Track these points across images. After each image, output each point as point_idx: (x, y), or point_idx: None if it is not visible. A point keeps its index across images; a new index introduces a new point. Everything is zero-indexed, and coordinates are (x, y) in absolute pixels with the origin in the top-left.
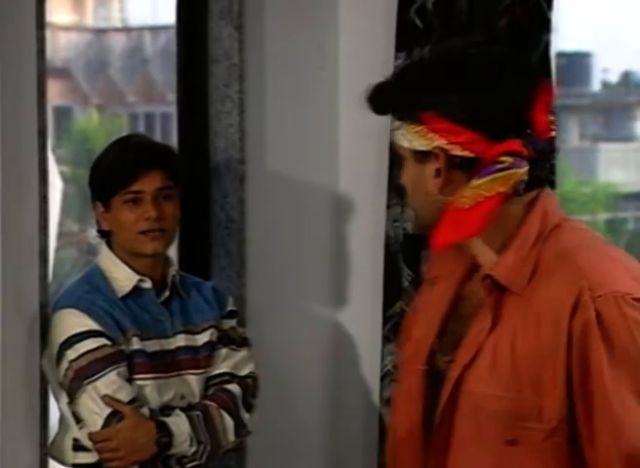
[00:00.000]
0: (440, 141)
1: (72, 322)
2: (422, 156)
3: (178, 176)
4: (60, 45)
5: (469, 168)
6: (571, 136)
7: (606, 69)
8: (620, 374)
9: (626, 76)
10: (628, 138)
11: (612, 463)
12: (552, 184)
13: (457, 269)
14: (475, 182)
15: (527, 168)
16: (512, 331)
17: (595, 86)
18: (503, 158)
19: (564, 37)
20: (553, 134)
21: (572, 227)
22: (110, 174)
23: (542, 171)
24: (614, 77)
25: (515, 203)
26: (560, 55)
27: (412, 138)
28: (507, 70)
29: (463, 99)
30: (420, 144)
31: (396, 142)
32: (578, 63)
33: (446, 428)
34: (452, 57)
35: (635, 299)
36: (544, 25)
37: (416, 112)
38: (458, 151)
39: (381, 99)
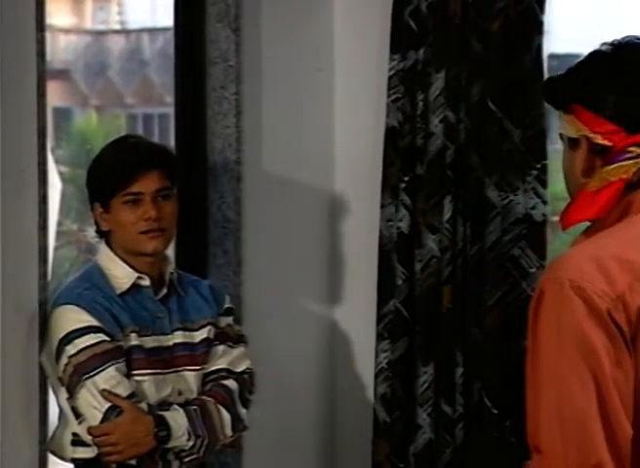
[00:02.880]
0: (586, 130)
1: (72, 318)
2: (573, 143)
3: (175, 176)
4: (60, 47)
5: (605, 156)
6: None
7: None
8: (539, 349)
9: None
10: None
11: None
12: (544, 184)
13: None
14: (605, 169)
15: None
16: None
17: None
18: (632, 148)
19: (556, 39)
20: None
21: (633, 221)
22: (109, 175)
23: None
24: None
25: (628, 195)
26: (552, 56)
27: (565, 126)
28: None
29: (608, 95)
30: (571, 132)
31: (559, 130)
32: (569, 65)
33: None
34: (602, 56)
35: (574, 286)
36: (537, 28)
37: (568, 104)
38: (599, 140)
39: (547, 91)
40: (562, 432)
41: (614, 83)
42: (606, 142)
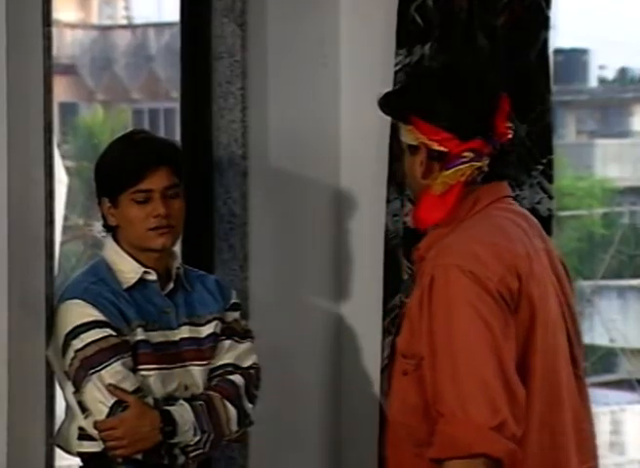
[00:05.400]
0: (424, 138)
1: (78, 312)
2: (414, 149)
3: (182, 172)
4: (66, 42)
5: (443, 160)
6: (568, 131)
7: (603, 66)
8: (436, 327)
9: (623, 73)
10: (624, 134)
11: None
12: (550, 179)
13: None
14: (445, 173)
15: (486, 162)
16: (414, 292)
17: (592, 82)
18: (466, 153)
19: (561, 34)
20: (510, 136)
21: (486, 213)
22: (118, 171)
23: (504, 166)
24: (610, 74)
25: (470, 192)
26: (557, 51)
27: (405, 134)
28: (474, 86)
29: (442, 108)
30: (411, 140)
31: (399, 137)
32: (575, 60)
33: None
34: (434, 74)
35: (464, 270)
36: (543, 23)
37: (406, 115)
38: (436, 146)
39: (385, 105)
40: (465, 396)
41: (446, 96)
42: (442, 149)
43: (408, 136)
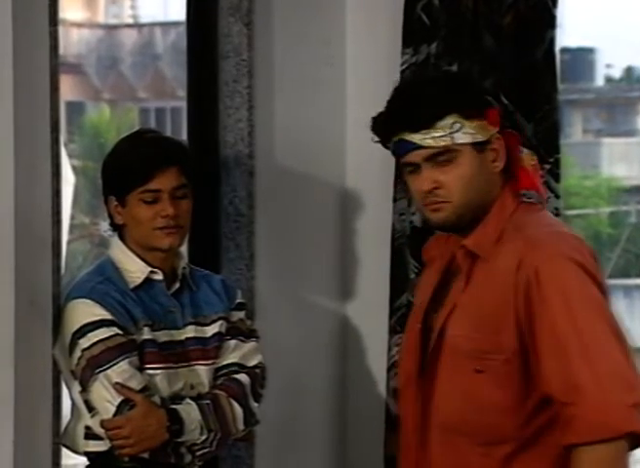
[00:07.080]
0: (497, 128)
1: (85, 311)
2: (481, 146)
3: (191, 173)
4: (73, 41)
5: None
6: (574, 130)
7: (609, 65)
8: (558, 318)
9: (629, 71)
10: (631, 133)
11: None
12: (557, 178)
13: (446, 251)
14: (523, 155)
15: None
16: (480, 288)
17: (598, 81)
18: None
19: (568, 33)
20: None
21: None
22: (127, 171)
23: None
24: (617, 72)
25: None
26: (564, 50)
27: (475, 132)
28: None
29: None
30: (483, 135)
31: (441, 145)
32: (581, 59)
33: (434, 364)
34: (452, 72)
35: (569, 258)
36: (549, 22)
37: (482, 109)
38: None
39: (453, 105)
40: (603, 379)
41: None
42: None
43: (479, 133)
